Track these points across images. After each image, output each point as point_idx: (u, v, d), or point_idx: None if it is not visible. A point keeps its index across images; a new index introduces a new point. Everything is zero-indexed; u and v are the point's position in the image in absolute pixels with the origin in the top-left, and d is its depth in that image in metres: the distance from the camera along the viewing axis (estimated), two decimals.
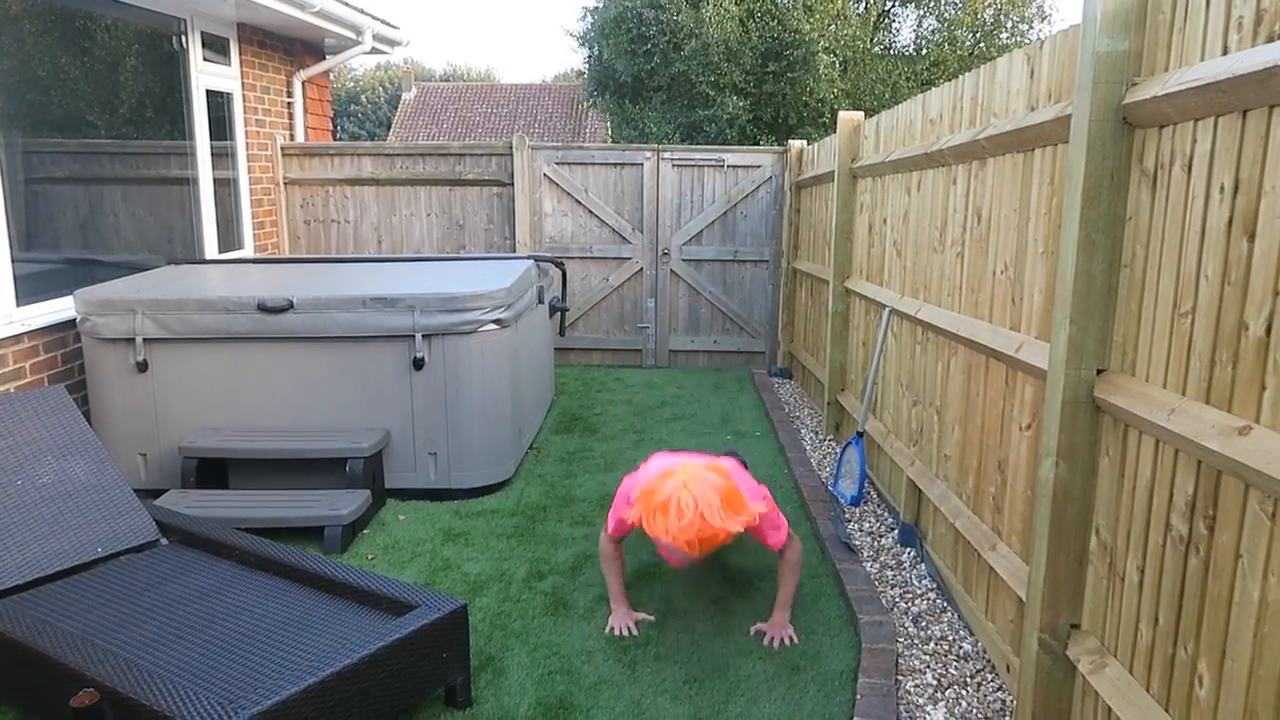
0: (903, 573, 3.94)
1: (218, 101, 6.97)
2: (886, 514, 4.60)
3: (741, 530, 3.05)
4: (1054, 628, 2.61)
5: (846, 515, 4.60)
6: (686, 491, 2.96)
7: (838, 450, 5.65)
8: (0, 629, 2.75)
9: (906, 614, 3.58)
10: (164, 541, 3.65)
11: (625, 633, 3.43)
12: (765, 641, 3.37)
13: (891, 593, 3.76)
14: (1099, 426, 2.46)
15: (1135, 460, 2.29)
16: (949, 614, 3.57)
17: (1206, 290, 2.01)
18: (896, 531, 4.32)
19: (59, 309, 5.10)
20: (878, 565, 4.02)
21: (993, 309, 3.26)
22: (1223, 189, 1.96)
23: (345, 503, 4.26)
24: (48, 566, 3.34)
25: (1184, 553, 2.09)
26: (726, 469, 3.17)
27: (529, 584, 3.87)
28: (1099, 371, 2.45)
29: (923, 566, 3.97)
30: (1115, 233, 2.38)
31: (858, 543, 4.25)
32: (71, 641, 2.62)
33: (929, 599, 3.69)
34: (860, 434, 4.80)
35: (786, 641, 3.37)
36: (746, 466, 4.43)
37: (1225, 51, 1.95)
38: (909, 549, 4.16)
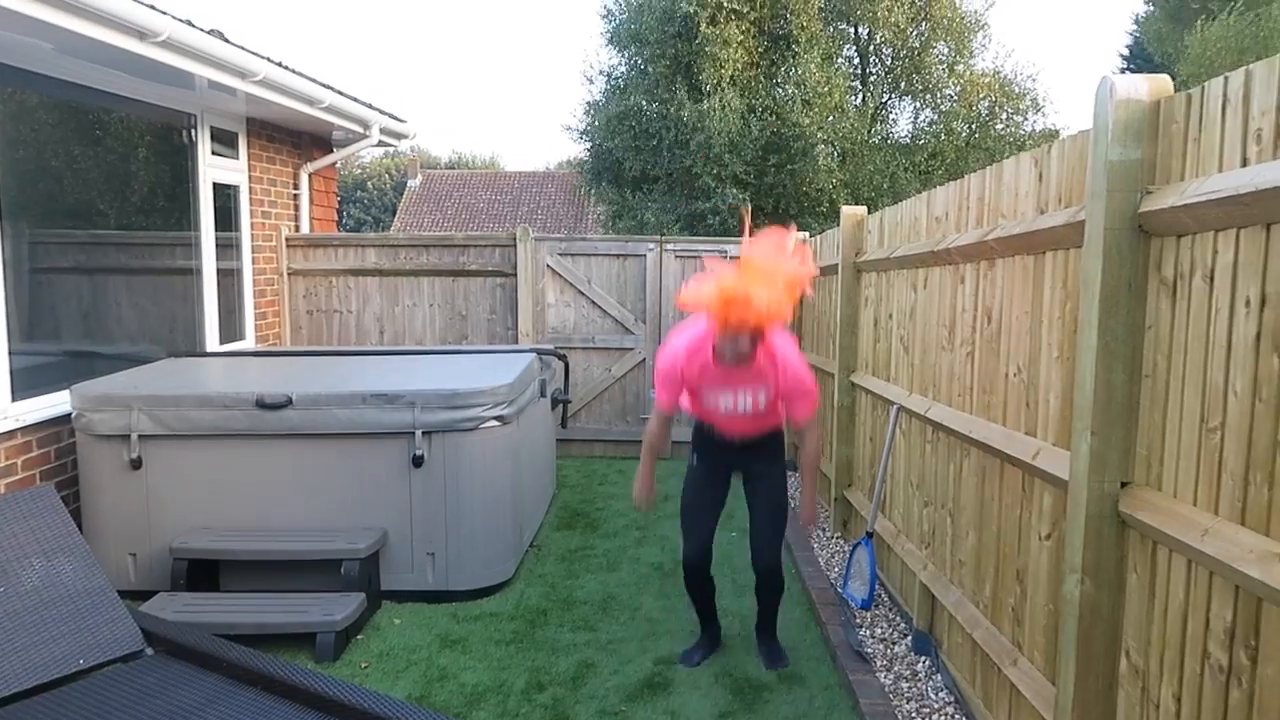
0: (918, 684, 3.78)
1: (224, 193, 7.03)
2: (899, 619, 4.44)
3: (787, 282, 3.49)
4: None
5: (857, 619, 4.45)
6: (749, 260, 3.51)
7: (846, 549, 5.51)
8: None
9: None
10: (149, 651, 3.50)
11: (641, 505, 4.05)
12: (801, 523, 4.08)
13: (907, 706, 3.59)
14: (1125, 542, 2.36)
15: (1166, 580, 2.19)
16: None
17: (1236, 406, 1.93)
18: (910, 639, 4.16)
19: (55, 403, 5.02)
20: (891, 676, 3.85)
21: (1006, 412, 3.19)
22: (1248, 303, 1.90)
23: (339, 607, 4.12)
24: (26, 680, 3.19)
25: (1225, 683, 1.97)
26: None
27: (528, 696, 3.70)
28: (1123, 484, 2.36)
29: (939, 677, 3.81)
30: (1135, 342, 2.32)
31: (870, 650, 4.09)
32: None
33: (947, 714, 3.53)
34: (870, 534, 4.67)
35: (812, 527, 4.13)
36: None
37: (1245, 163, 1.92)
38: (924, 657, 4.00)
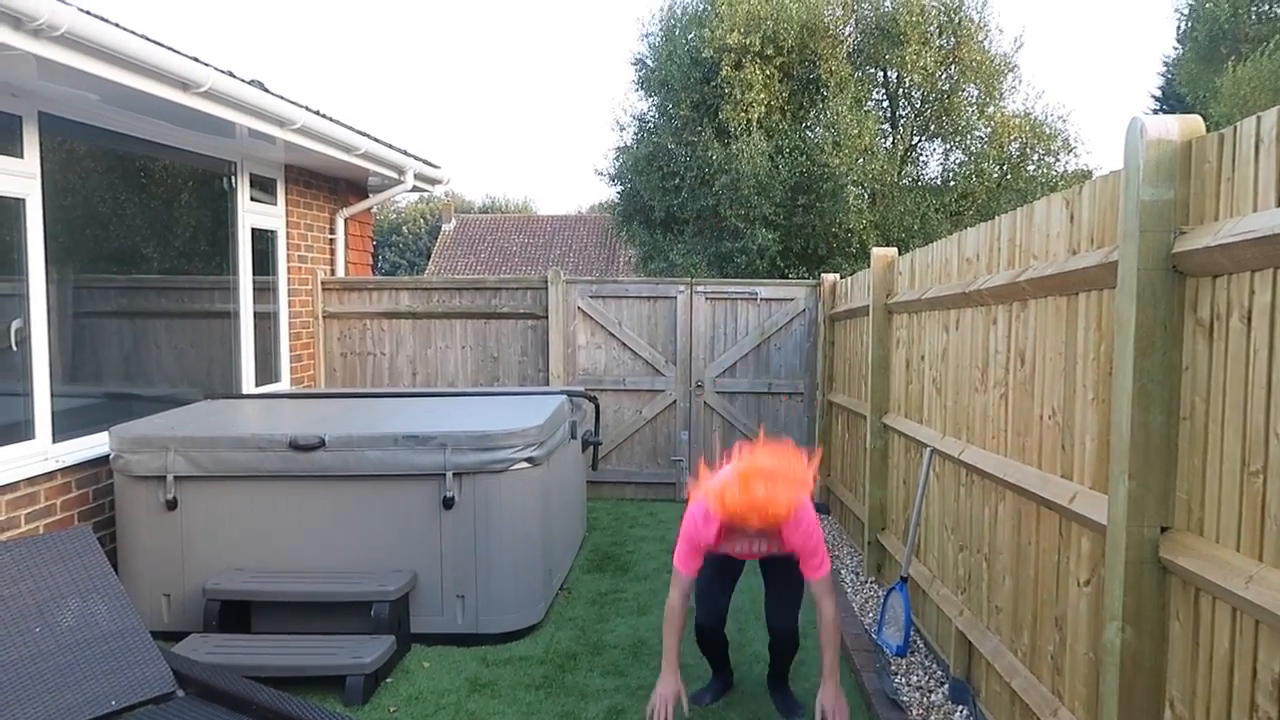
0: None
1: (262, 238, 7.17)
2: (935, 666, 4.35)
3: (794, 506, 3.29)
4: None
5: (892, 667, 4.36)
6: (753, 465, 3.30)
7: (880, 594, 5.42)
8: None
9: None
10: (180, 693, 3.51)
11: (663, 708, 3.48)
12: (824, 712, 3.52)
13: None
14: (1167, 589, 2.31)
15: (1210, 628, 2.13)
16: None
17: (1278, 449, 1.89)
18: (947, 686, 4.07)
19: (94, 444, 5.11)
20: None
21: (1041, 455, 3.14)
22: None
23: (369, 650, 4.11)
24: None
25: None
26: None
27: None
28: (1163, 529, 2.31)
29: None
30: (1172, 383, 2.28)
31: (906, 699, 4.01)
32: None
33: None
34: (904, 579, 4.60)
35: (840, 718, 3.51)
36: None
37: None
38: (961, 706, 3.91)
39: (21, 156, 4.72)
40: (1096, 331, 2.70)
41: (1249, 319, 2.00)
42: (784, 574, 3.81)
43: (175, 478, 4.61)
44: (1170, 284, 2.26)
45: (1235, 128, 2.06)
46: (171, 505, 4.61)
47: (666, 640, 3.62)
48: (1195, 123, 2.25)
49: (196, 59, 4.92)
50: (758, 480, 3.25)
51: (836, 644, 3.58)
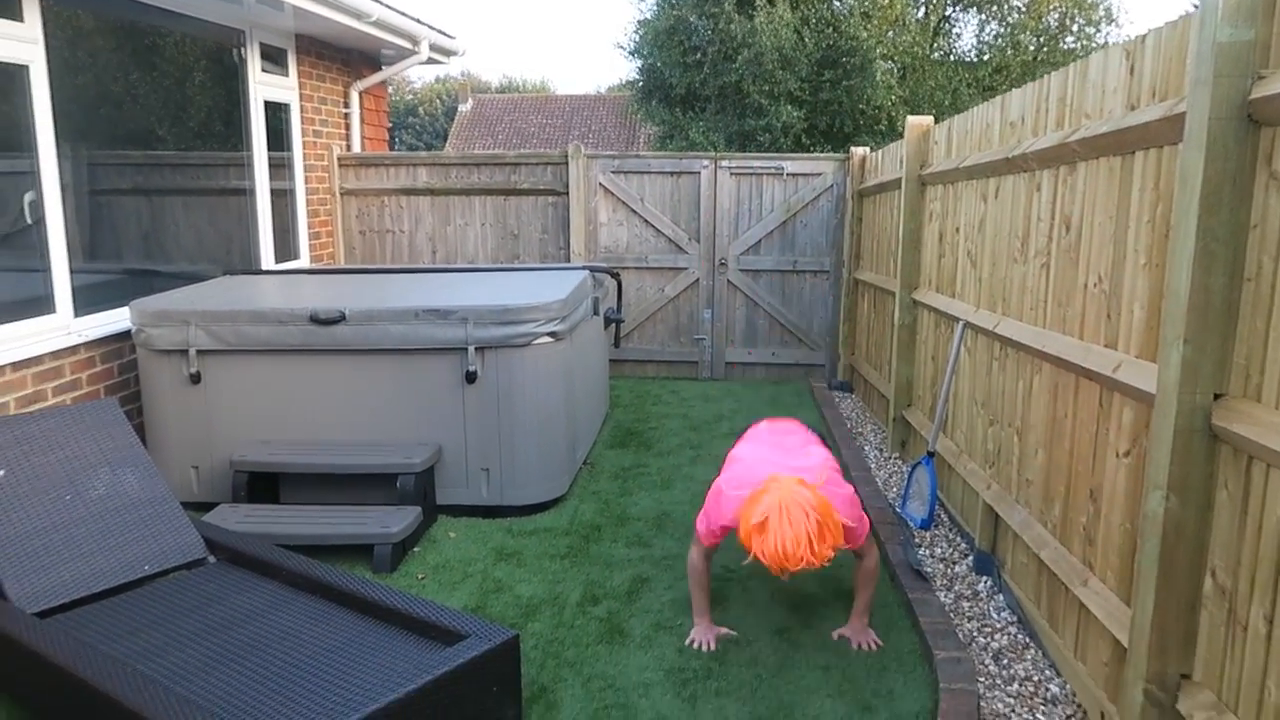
0: (979, 604, 3.70)
1: (276, 112, 6.97)
2: (959, 539, 4.36)
3: (833, 555, 2.98)
4: (1162, 678, 2.36)
5: (916, 539, 4.37)
6: (783, 517, 2.89)
7: (904, 469, 5.41)
8: (42, 652, 2.66)
9: (986, 650, 3.35)
10: (211, 560, 3.56)
11: (706, 647, 3.39)
12: (853, 645, 3.40)
13: (968, 626, 3.52)
14: (1216, 458, 2.23)
15: (1262, 496, 2.06)
16: (1032, 650, 3.33)
17: None
18: (971, 558, 4.08)
19: (116, 319, 5.08)
20: (952, 595, 3.78)
21: (1084, 325, 3.03)
22: None
23: (395, 520, 4.14)
24: (93, 585, 3.26)
25: None
26: (818, 485, 3.12)
27: (583, 608, 3.71)
28: (1216, 396, 2.22)
29: (1001, 597, 3.73)
30: (1237, 242, 2.15)
31: (929, 570, 4.02)
32: (113, 668, 2.52)
33: (1010, 634, 3.45)
34: (931, 454, 4.56)
35: (870, 646, 3.39)
36: (823, 440, 4.06)
37: None
38: (985, 577, 3.92)
39: (22, 20, 4.53)
40: (1154, 192, 2.55)
41: None
42: None
43: (197, 352, 4.58)
44: (1244, 134, 2.10)
45: None
46: (195, 379, 4.60)
47: (694, 594, 3.49)
48: None
49: None
50: (786, 534, 2.86)
51: (872, 588, 3.46)
